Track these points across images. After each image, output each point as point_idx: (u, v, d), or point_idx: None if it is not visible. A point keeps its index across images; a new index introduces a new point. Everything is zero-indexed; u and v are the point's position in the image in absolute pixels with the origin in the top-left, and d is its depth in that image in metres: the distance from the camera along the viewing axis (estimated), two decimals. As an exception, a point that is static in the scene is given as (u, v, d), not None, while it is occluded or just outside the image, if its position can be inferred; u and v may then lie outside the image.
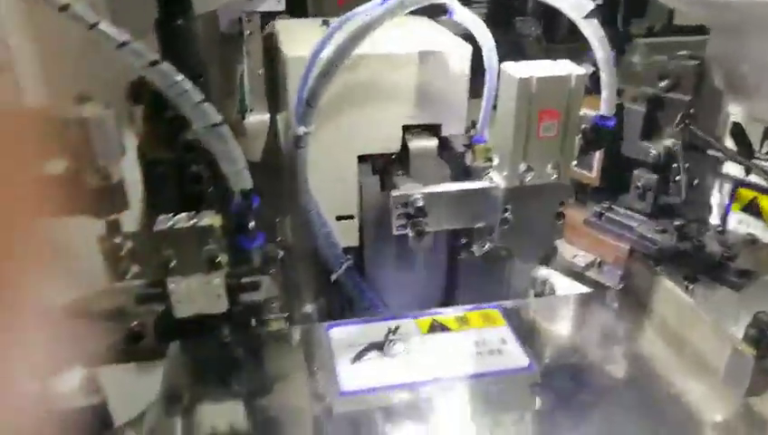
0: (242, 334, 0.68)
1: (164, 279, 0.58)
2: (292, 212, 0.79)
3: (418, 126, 0.74)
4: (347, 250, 0.78)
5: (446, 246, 0.81)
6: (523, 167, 0.63)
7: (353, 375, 0.61)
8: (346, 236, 0.78)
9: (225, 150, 0.52)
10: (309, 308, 0.80)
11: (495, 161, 0.66)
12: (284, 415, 0.59)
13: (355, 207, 0.77)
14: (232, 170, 0.53)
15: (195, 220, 0.57)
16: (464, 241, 0.82)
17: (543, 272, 0.85)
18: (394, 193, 0.66)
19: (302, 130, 0.66)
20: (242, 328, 0.68)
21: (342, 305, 0.82)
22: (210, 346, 0.66)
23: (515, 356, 0.64)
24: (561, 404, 0.59)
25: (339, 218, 0.77)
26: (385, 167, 0.76)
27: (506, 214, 0.65)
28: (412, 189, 0.66)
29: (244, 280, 0.62)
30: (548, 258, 0.85)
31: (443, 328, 0.68)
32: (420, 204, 0.65)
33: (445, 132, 0.74)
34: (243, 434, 0.57)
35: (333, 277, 0.78)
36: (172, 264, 0.57)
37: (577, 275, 0.82)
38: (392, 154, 0.75)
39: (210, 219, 0.57)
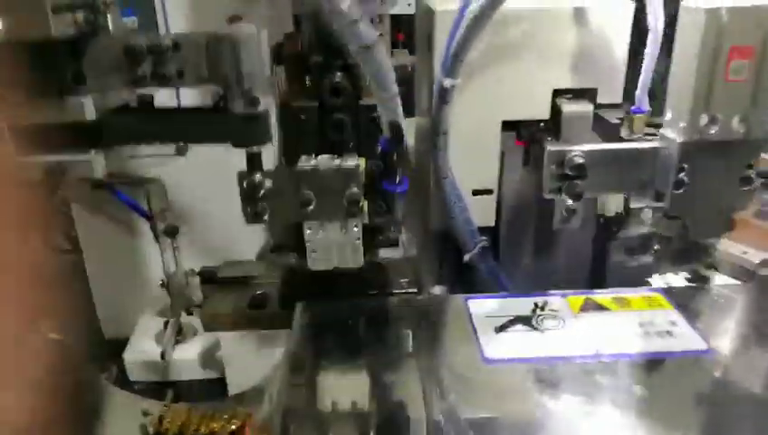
0: (372, 301, 0.63)
1: (300, 223, 0.54)
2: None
3: (571, 90, 0.67)
4: (481, 230, 0.72)
5: (593, 230, 0.73)
6: (704, 118, 0.54)
7: (497, 344, 0.54)
8: (481, 213, 0.72)
9: (377, 74, 0.48)
10: (437, 290, 0.74)
11: (668, 115, 0.58)
12: (415, 389, 0.51)
13: (495, 181, 0.71)
14: (383, 97, 0.49)
15: (339, 161, 0.53)
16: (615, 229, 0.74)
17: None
18: (550, 148, 0.59)
19: (448, 82, 0.62)
20: (373, 294, 0.63)
21: (471, 291, 0.76)
22: (338, 312, 0.61)
23: (689, 339, 0.55)
24: (739, 393, 0.50)
25: (475, 193, 0.71)
26: (531, 136, 0.69)
27: (681, 175, 0.57)
28: (570, 146, 0.59)
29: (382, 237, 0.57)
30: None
31: (599, 307, 0.60)
32: (579, 161, 0.58)
33: (600, 99, 0.67)
34: (367, 409, 0.51)
35: (466, 258, 0.72)
36: (311, 207, 0.53)
37: (747, 273, 0.72)
38: (539, 122, 0.68)
39: (355, 161, 0.53)
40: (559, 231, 0.73)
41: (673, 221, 0.60)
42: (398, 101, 0.50)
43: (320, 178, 0.52)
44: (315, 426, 0.49)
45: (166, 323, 0.76)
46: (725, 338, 0.56)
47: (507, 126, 0.69)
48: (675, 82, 0.57)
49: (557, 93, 0.67)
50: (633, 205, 0.70)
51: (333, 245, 0.55)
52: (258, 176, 0.52)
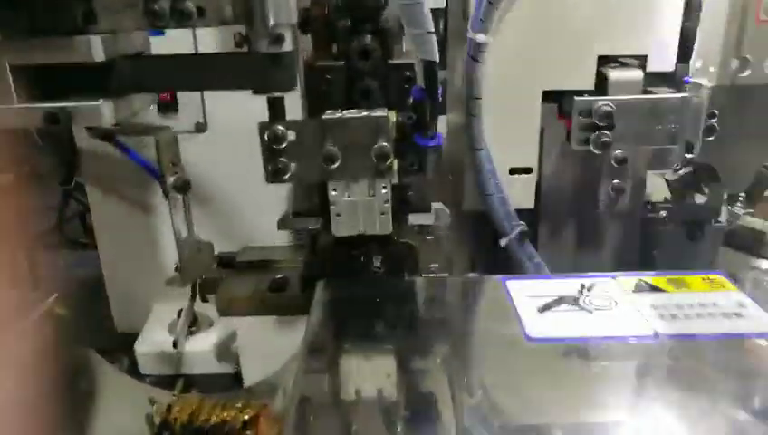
0: (399, 278, 0.58)
1: (325, 184, 0.49)
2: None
3: (619, 57, 0.62)
4: (519, 213, 0.66)
5: (639, 214, 0.67)
6: (735, 62, 0.52)
7: (541, 324, 0.48)
8: (519, 194, 0.66)
9: (411, 11, 0.44)
10: (471, 276, 0.68)
11: (698, 64, 0.54)
12: (447, 376, 0.45)
13: (534, 159, 0.66)
14: (416, 34, 0.45)
15: (366, 113, 0.48)
16: (663, 214, 0.68)
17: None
18: (577, 98, 0.55)
19: (481, 37, 0.57)
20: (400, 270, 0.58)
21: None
22: (363, 290, 0.56)
23: (761, 320, 0.48)
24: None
25: (513, 172, 0.66)
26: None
27: (712, 121, 0.53)
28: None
29: (413, 196, 0.52)
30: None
31: (653, 288, 0.53)
32: (608, 109, 0.54)
33: (651, 67, 0.62)
34: (394, 398, 0.45)
35: (502, 242, 0.66)
36: (336, 164, 0.48)
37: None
38: (583, 93, 0.63)
39: (384, 112, 0.48)
40: (604, 215, 0.68)
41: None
42: (434, 38, 0.45)
43: (346, 128, 0.48)
44: (335, 416, 0.42)
45: (180, 312, 0.72)
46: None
47: (548, 97, 0.63)
48: (705, 29, 0.55)
49: (603, 61, 0.62)
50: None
51: (360, 208, 0.50)
52: (281, 127, 0.47)
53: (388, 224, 0.50)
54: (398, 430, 0.40)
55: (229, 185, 0.73)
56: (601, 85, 0.61)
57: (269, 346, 0.64)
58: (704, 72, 0.56)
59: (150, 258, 0.77)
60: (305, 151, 0.48)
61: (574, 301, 0.51)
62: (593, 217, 0.67)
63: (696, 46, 0.58)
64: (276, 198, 0.77)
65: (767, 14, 0.52)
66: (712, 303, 0.50)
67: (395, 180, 0.50)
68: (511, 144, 0.64)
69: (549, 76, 0.62)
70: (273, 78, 0.45)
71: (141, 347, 0.73)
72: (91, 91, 0.45)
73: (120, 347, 0.76)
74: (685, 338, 0.46)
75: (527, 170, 0.66)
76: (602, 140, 0.58)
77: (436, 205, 0.54)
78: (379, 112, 0.48)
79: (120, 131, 0.53)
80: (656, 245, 0.67)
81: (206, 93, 0.72)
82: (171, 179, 0.53)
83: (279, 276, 0.66)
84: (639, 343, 0.46)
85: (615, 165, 0.61)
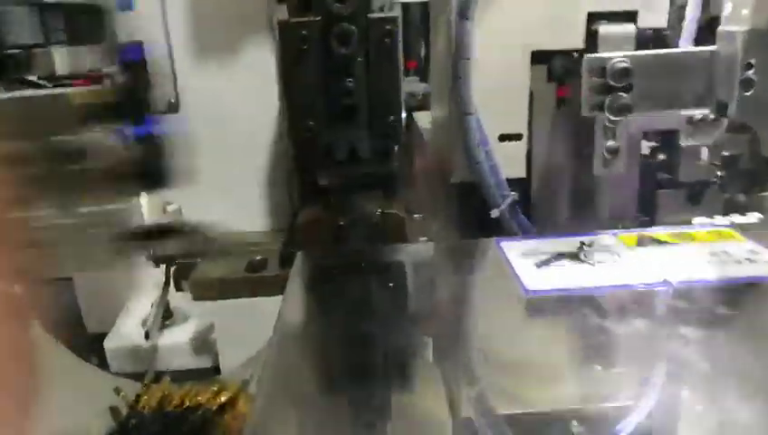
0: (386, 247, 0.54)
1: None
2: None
3: (608, 13, 0.59)
4: (510, 183, 0.63)
5: (638, 176, 0.64)
6: None
7: (540, 278, 0.44)
8: (510, 163, 0.63)
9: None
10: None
11: (727, 8, 0.49)
12: (437, 345, 0.39)
13: (524, 124, 0.62)
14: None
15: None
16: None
17: None
18: (588, 56, 0.51)
19: (470, -11, 0.54)
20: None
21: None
22: (347, 259, 0.52)
23: (779, 265, 0.44)
24: None
25: (502, 138, 0.63)
26: (565, 72, 0.61)
27: (749, 73, 0.48)
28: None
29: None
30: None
31: (658, 242, 0.50)
32: (624, 65, 0.50)
33: (642, 23, 0.59)
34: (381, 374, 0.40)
35: (494, 214, 0.62)
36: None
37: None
38: (573, 52, 0.60)
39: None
40: (600, 181, 0.64)
41: (739, 136, 0.50)
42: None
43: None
44: (310, 396, 0.36)
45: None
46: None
47: (537, 59, 0.60)
48: None
49: (592, 18, 0.59)
50: (684, 142, 0.60)
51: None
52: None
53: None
54: (384, 413, 0.34)
55: (205, 167, 0.69)
56: (592, 42, 0.58)
57: (248, 333, 0.60)
58: (735, 19, 0.49)
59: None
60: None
61: (574, 256, 0.48)
62: (588, 183, 0.63)
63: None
64: (252, 183, 0.73)
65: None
66: (722, 251, 0.47)
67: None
68: (499, 110, 0.61)
69: (537, 36, 0.59)
70: None
71: (111, 343, 0.67)
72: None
73: (90, 348, 0.70)
74: (698, 284, 0.42)
75: (517, 137, 0.63)
76: (620, 102, 0.52)
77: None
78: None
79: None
80: (655, 210, 0.63)
81: (178, 69, 0.68)
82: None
83: (258, 258, 0.62)
84: (649, 290, 0.42)
85: (611, 126, 0.57)
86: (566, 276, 0.44)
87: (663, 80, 0.51)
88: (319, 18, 0.51)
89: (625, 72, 0.50)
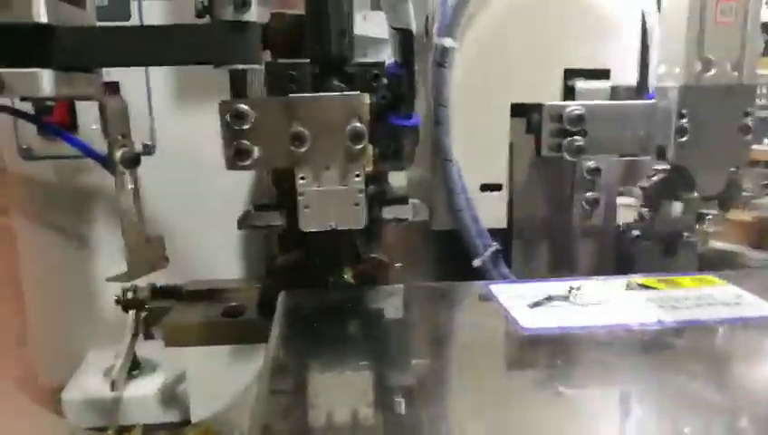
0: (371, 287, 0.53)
1: (292, 169, 0.45)
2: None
3: (584, 71, 0.62)
4: (491, 233, 0.63)
5: (614, 230, 0.65)
6: (698, 64, 0.55)
7: (534, 318, 0.44)
8: (491, 214, 0.63)
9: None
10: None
11: (662, 69, 0.56)
12: (433, 388, 0.38)
13: (504, 175, 0.63)
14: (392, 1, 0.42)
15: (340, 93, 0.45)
16: (636, 233, 0.66)
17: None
18: (547, 103, 0.55)
19: (448, 42, 0.56)
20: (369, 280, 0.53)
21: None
22: (332, 298, 0.51)
23: (762, 307, 0.45)
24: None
25: (484, 188, 0.63)
26: (541, 123, 0.62)
27: (683, 121, 0.54)
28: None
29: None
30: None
31: (646, 287, 0.50)
32: (578, 112, 0.53)
33: (614, 80, 0.62)
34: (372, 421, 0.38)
35: (476, 263, 0.62)
36: (305, 147, 0.44)
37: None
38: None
39: (359, 95, 0.45)
40: (578, 234, 0.65)
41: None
42: (410, 5, 0.43)
43: (316, 107, 0.44)
44: None
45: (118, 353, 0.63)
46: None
47: (516, 111, 0.62)
48: (666, 35, 0.58)
49: (569, 74, 0.61)
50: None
51: (331, 198, 0.45)
52: (244, 106, 0.43)
53: (362, 216, 0.46)
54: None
55: (180, 211, 0.68)
56: (568, 95, 0.61)
57: (223, 382, 0.57)
58: (669, 76, 0.57)
59: (85, 299, 0.69)
60: (270, 133, 0.44)
61: (564, 298, 0.47)
62: (567, 235, 0.64)
63: (656, 54, 0.59)
64: (228, 230, 0.71)
65: (723, 15, 0.54)
66: (709, 295, 0.48)
67: (369, 168, 0.46)
68: (480, 160, 0.62)
69: (516, 89, 0.61)
70: (235, 48, 0.41)
71: (69, 394, 0.63)
72: (27, 59, 0.40)
73: (45, 401, 0.66)
74: (691, 323, 0.43)
75: (498, 187, 0.63)
76: (576, 145, 0.57)
77: (413, 200, 0.49)
78: (354, 93, 0.44)
79: (56, 98, 0.47)
80: (632, 263, 0.64)
81: (155, 112, 0.67)
82: (119, 154, 0.47)
83: (234, 304, 0.59)
84: (645, 329, 0.42)
85: (588, 176, 0.59)
86: (560, 316, 0.44)
87: (612, 127, 0.57)
88: (307, 60, 0.51)
89: (579, 119, 0.56)
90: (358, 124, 0.44)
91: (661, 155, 0.58)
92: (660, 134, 0.57)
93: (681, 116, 0.55)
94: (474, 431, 0.32)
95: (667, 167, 0.60)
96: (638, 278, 0.52)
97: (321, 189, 0.45)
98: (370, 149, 0.45)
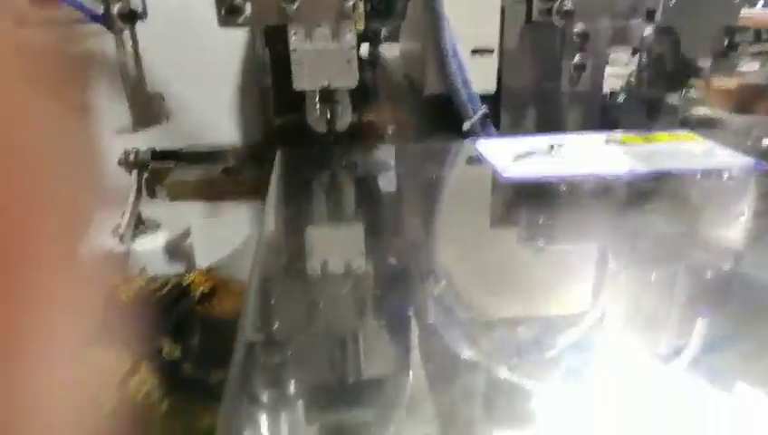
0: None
1: (285, 26, 0.46)
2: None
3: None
4: (480, 99, 0.64)
5: (601, 97, 0.67)
6: None
7: (515, 168, 0.47)
8: (481, 78, 0.64)
9: None
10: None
11: None
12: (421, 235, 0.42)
13: (495, 39, 0.64)
14: None
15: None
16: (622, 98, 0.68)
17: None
18: None
19: None
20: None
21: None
22: (328, 156, 0.53)
23: (734, 158, 0.48)
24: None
25: (474, 52, 0.64)
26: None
27: None
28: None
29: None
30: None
31: (623, 142, 0.53)
32: None
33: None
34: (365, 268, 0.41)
35: (466, 126, 0.64)
36: (295, 4, 0.45)
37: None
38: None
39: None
40: (566, 98, 0.67)
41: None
42: None
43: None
44: (299, 291, 0.36)
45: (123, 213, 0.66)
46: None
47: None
48: None
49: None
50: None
51: (323, 56, 0.47)
52: (234, -41, 0.43)
53: (355, 74, 0.47)
54: (366, 306, 0.35)
55: (174, 79, 0.68)
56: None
57: (225, 231, 0.61)
58: None
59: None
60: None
61: (546, 153, 0.50)
62: (556, 101, 0.66)
63: None
64: (223, 97, 0.72)
65: None
66: (685, 149, 0.50)
67: (360, 27, 0.47)
68: (471, 24, 0.62)
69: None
70: None
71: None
72: None
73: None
74: (661, 173, 0.46)
75: (488, 51, 0.64)
76: (565, 8, 0.57)
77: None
78: (343, -55, 0.44)
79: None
80: (616, 127, 0.66)
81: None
82: (116, 8, 0.48)
83: (234, 163, 0.62)
84: (616, 178, 0.45)
85: (577, 40, 0.60)
86: (539, 167, 0.47)
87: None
88: None
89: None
90: (348, -21, 0.44)
91: (650, 17, 0.58)
92: (650, -4, 0.57)
93: (673, -26, 0.55)
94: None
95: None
96: (617, 134, 0.54)
97: (313, 48, 0.46)
98: (361, 5, 0.46)
